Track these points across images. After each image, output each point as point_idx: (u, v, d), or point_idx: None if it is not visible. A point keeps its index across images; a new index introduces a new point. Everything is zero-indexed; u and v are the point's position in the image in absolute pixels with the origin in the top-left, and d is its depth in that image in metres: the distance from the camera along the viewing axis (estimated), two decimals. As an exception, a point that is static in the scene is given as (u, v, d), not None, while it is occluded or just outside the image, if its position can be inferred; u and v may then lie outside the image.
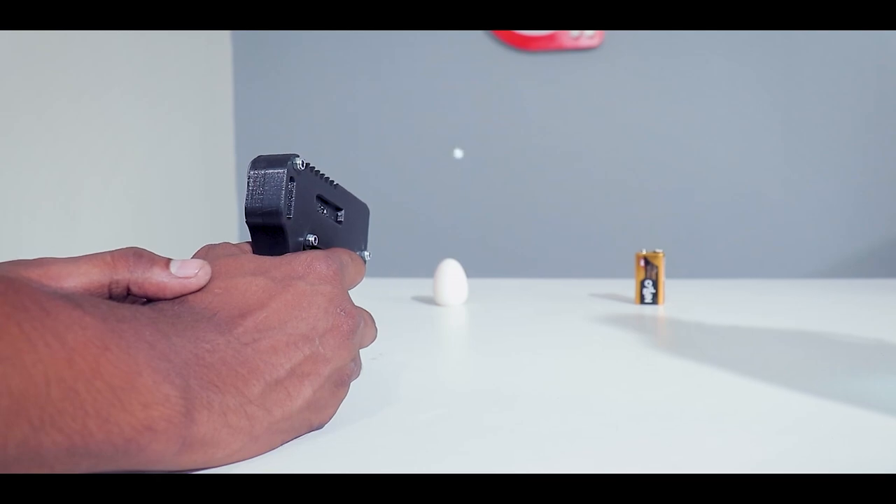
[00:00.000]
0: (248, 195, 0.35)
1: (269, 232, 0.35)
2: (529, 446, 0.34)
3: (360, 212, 0.46)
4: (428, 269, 1.13)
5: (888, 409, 0.40)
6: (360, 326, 0.36)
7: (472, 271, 0.96)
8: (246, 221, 0.35)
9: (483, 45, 2.03)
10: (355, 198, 0.45)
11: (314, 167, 0.38)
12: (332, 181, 0.40)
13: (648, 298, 0.84)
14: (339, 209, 0.42)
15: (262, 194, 0.35)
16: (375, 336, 0.40)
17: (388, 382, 0.47)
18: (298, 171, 0.36)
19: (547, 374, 0.50)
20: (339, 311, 0.34)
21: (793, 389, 0.45)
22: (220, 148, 2.08)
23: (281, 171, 0.35)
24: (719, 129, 1.92)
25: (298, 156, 0.36)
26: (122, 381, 0.23)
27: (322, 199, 0.40)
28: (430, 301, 0.92)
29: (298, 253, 0.35)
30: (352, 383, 0.38)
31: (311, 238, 0.37)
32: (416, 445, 0.34)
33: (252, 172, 0.35)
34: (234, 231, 2.11)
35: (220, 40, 2.11)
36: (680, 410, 0.40)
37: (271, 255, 0.35)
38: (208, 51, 2.03)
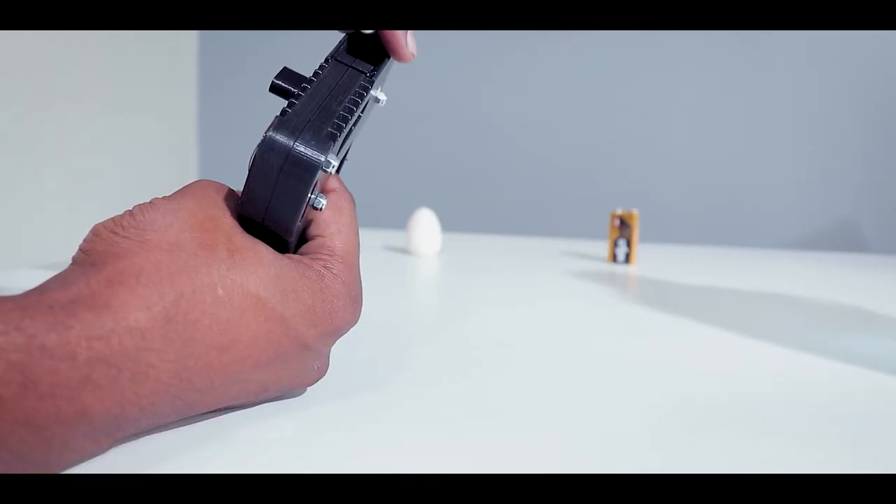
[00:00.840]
0: (248, 186, 0.26)
1: (266, 233, 0.28)
2: (498, 402, 0.34)
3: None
4: (400, 222, 1.12)
5: (867, 365, 0.41)
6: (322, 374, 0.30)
7: (446, 225, 0.96)
8: (240, 212, 0.27)
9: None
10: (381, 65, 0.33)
11: (347, 132, 0.29)
12: (364, 101, 0.30)
13: (621, 258, 0.84)
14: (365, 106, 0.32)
15: (271, 199, 0.26)
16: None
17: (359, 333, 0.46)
18: (326, 173, 0.27)
19: (521, 325, 0.50)
20: (317, 366, 0.29)
21: (768, 343, 0.45)
22: (184, 150, 2.01)
23: (308, 177, 0.26)
24: (692, 94, 1.93)
25: (332, 148, 0.27)
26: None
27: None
28: (404, 251, 0.91)
29: (324, 281, 0.28)
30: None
31: (321, 205, 0.29)
32: (388, 404, 0.33)
33: (262, 152, 0.26)
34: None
35: (187, 42, 2.02)
36: (651, 361, 0.41)
37: (263, 239, 0.28)
38: (174, 52, 1.94)
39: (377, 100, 0.33)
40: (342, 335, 0.29)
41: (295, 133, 0.26)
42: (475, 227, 1.94)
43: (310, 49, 2.08)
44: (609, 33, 1.94)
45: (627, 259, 0.84)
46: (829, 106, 1.88)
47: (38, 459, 0.20)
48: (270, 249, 0.27)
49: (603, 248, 1.04)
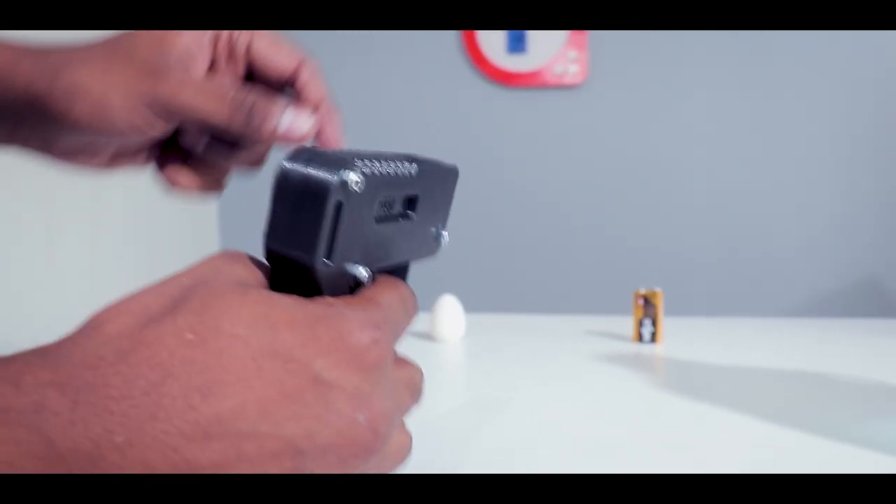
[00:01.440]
0: (271, 207, 0.25)
1: (293, 269, 0.25)
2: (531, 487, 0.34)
3: (444, 181, 0.33)
4: (424, 304, 1.12)
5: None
6: (389, 438, 0.24)
7: (468, 306, 0.96)
8: (265, 245, 0.26)
9: (466, 80, 2.05)
10: (439, 166, 0.32)
11: (379, 170, 0.26)
12: (409, 167, 0.29)
13: (647, 337, 0.85)
14: (413, 198, 0.30)
15: (292, 215, 0.24)
16: (415, 406, 0.30)
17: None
18: (351, 194, 0.24)
19: (550, 413, 0.50)
20: (359, 417, 0.23)
21: (801, 431, 0.45)
22: None
23: (325, 188, 0.24)
24: (709, 164, 1.96)
25: (356, 164, 0.25)
26: None
27: (387, 200, 0.28)
28: (428, 337, 0.91)
29: (333, 309, 0.24)
30: None
31: (363, 274, 0.26)
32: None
33: (283, 170, 0.25)
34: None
35: None
36: (683, 449, 0.41)
37: (293, 293, 0.25)
38: None
39: (439, 236, 0.33)
40: (373, 371, 0.24)
41: (313, 156, 0.25)
42: (498, 305, 1.93)
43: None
44: (620, 110, 1.98)
45: (653, 338, 0.84)
46: (851, 165, 1.89)
47: None
48: (272, 293, 0.24)
49: (627, 323, 1.04)
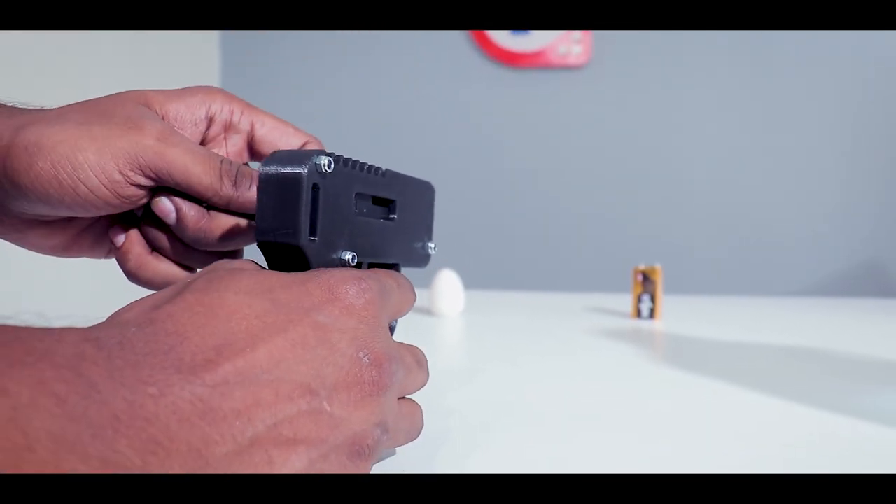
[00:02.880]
0: (258, 208, 0.27)
1: (285, 255, 0.28)
2: (531, 458, 0.34)
3: (421, 195, 0.37)
4: (423, 280, 1.12)
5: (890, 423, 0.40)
6: (394, 378, 0.26)
7: (468, 282, 0.96)
8: (256, 242, 0.28)
9: (471, 61, 2.04)
10: (413, 179, 0.36)
11: (349, 159, 0.30)
12: (379, 169, 0.32)
13: (645, 313, 0.85)
14: (391, 201, 0.34)
15: (275, 207, 0.27)
16: (425, 383, 0.32)
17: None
18: (324, 174, 0.28)
19: (549, 387, 0.50)
20: (362, 356, 0.25)
21: (799, 403, 0.45)
22: None
23: (299, 172, 0.27)
24: (711, 145, 1.95)
25: (324, 151, 0.28)
26: (7, 460, 0.17)
27: (365, 196, 0.32)
28: (427, 312, 0.91)
29: (321, 271, 0.27)
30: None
31: (348, 256, 0.29)
32: (425, 457, 0.33)
33: (263, 173, 0.27)
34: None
35: (209, 41, 2.09)
36: (681, 422, 0.41)
37: (286, 263, 0.28)
38: (196, 52, 2.01)
39: (425, 246, 0.37)
40: (366, 316, 0.26)
41: (286, 154, 0.28)
42: (498, 283, 1.93)
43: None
44: (622, 90, 1.97)
45: (652, 314, 0.84)
46: (853, 149, 1.88)
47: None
48: (263, 270, 0.26)
49: (626, 300, 1.04)
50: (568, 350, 0.66)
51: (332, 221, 0.28)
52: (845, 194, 1.88)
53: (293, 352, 0.23)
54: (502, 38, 2.00)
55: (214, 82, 2.11)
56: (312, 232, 0.27)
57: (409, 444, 0.31)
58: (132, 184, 0.32)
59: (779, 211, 1.91)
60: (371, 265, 0.33)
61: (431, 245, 0.38)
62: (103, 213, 0.33)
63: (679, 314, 0.90)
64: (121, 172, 0.32)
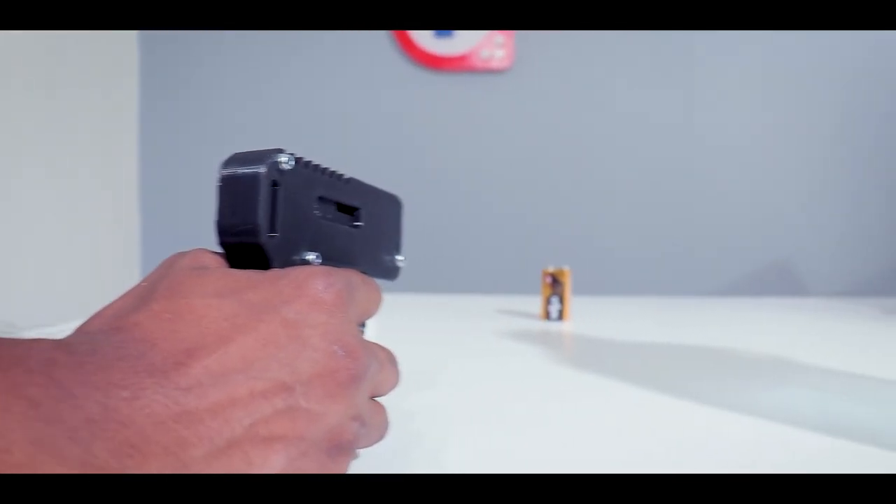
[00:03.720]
0: (218, 209, 0.27)
1: (248, 254, 0.27)
2: (432, 458, 0.33)
3: (388, 207, 0.37)
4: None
5: (783, 419, 0.42)
6: (369, 370, 0.26)
7: (380, 286, 0.95)
8: (218, 242, 0.28)
9: (395, 65, 2.03)
10: (379, 191, 0.36)
11: (310, 161, 0.29)
12: (342, 175, 0.32)
13: (554, 315, 0.85)
14: (355, 209, 0.33)
15: (235, 205, 0.27)
16: (397, 382, 0.31)
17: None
18: (283, 172, 0.27)
19: (459, 389, 0.50)
20: (335, 349, 0.25)
21: (690, 399, 0.46)
22: (123, 154, 1.98)
23: (258, 170, 0.26)
24: (626, 147, 2.00)
25: (284, 151, 0.28)
26: None
27: (328, 201, 0.31)
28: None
29: (288, 269, 0.27)
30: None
31: (311, 256, 0.29)
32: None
33: (223, 174, 0.27)
34: (137, 255, 2.00)
35: (127, 41, 2.01)
36: (579, 420, 0.41)
37: (246, 263, 0.28)
38: (113, 52, 1.93)
39: (394, 260, 0.37)
40: (335, 311, 0.26)
41: (248, 153, 0.28)
42: (410, 286, 1.93)
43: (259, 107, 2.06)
44: (542, 95, 2.00)
45: (560, 316, 0.85)
46: (765, 148, 1.97)
47: None
48: (229, 271, 0.26)
49: (536, 302, 1.05)
50: (476, 352, 0.65)
51: (293, 220, 0.28)
52: (756, 194, 1.96)
53: (265, 350, 0.23)
54: (425, 42, 2.00)
55: (133, 83, 2.03)
56: (272, 229, 0.27)
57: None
58: None
59: (690, 212, 1.98)
60: None
61: (400, 258, 0.37)
62: None
63: (589, 315, 0.91)
64: None
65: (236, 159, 0.27)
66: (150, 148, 2.08)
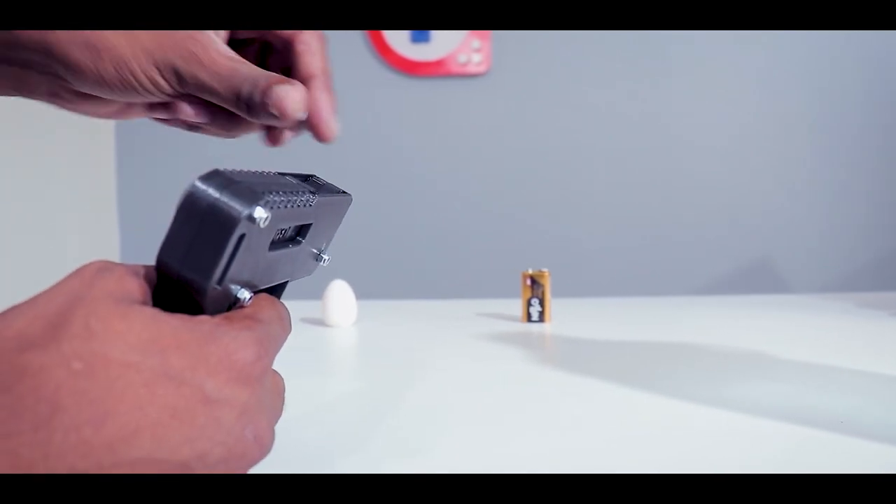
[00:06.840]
0: (173, 224, 0.25)
1: (183, 288, 0.26)
2: (415, 459, 0.34)
3: (336, 212, 0.35)
4: (315, 292, 1.11)
5: (754, 412, 0.43)
6: (269, 449, 0.26)
7: (360, 293, 0.95)
8: (157, 264, 0.26)
9: (371, 70, 2.03)
10: (335, 198, 0.34)
11: (292, 200, 0.28)
12: (311, 200, 0.31)
13: (535, 317, 0.86)
14: (308, 225, 0.32)
15: (194, 243, 0.25)
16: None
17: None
18: (255, 229, 0.26)
19: (440, 393, 0.50)
20: (247, 433, 0.25)
21: (666, 396, 0.47)
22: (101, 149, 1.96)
23: (235, 216, 0.24)
24: (604, 149, 2.02)
25: (265, 197, 0.26)
26: None
27: (284, 228, 0.30)
28: (320, 322, 0.90)
29: (219, 328, 0.25)
30: None
31: (245, 296, 0.27)
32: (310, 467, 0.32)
33: (195, 190, 0.25)
34: (116, 248, 1.98)
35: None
36: (563, 420, 0.41)
37: (176, 311, 0.25)
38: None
39: (320, 257, 0.35)
40: (257, 386, 0.25)
41: (226, 183, 0.25)
42: (391, 292, 1.93)
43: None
44: (518, 100, 2.01)
45: (541, 318, 0.86)
46: (741, 148, 1.99)
47: None
48: (156, 312, 0.24)
49: (518, 306, 1.06)
50: (458, 355, 0.66)
51: (242, 265, 0.27)
52: (735, 194, 1.99)
53: (179, 429, 0.22)
54: (402, 47, 2.00)
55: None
56: (220, 281, 0.26)
57: (312, 457, 0.30)
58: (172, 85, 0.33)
59: (670, 213, 2.00)
60: (261, 290, 0.31)
61: (326, 257, 0.36)
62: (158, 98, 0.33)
63: (570, 317, 0.92)
64: (165, 76, 0.33)
65: (217, 181, 0.25)
66: (128, 152, 2.06)
